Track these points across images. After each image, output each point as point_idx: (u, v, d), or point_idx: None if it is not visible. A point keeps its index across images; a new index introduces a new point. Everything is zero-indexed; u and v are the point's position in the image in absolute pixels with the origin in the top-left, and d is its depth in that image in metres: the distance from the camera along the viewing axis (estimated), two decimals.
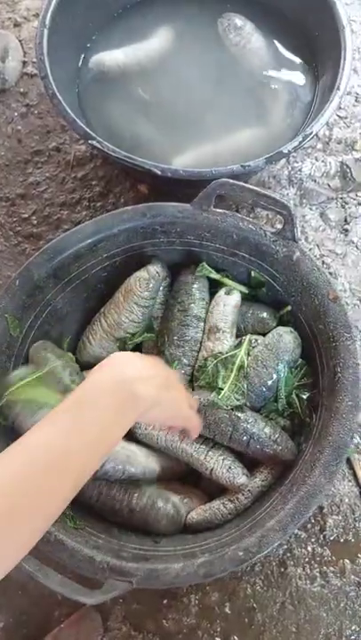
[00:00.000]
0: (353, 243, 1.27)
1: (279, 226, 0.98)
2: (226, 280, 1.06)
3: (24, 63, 1.47)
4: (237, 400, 0.95)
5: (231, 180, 0.95)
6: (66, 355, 1.02)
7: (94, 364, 1.02)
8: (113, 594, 0.79)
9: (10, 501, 0.55)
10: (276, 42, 1.32)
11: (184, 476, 1.02)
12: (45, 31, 1.16)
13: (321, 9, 1.20)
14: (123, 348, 1.04)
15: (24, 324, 0.97)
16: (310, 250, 1.26)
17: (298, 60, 1.31)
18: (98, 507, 0.94)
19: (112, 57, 1.30)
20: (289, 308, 1.03)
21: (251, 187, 0.95)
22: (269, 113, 1.26)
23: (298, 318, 1.01)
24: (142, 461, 0.95)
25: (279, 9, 1.33)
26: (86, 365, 1.03)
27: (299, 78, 1.29)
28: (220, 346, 1.00)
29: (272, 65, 1.30)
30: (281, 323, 1.05)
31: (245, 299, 1.07)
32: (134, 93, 1.29)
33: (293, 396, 0.99)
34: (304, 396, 0.98)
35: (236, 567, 0.80)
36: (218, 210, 0.99)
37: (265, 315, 1.03)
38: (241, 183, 0.95)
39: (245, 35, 1.29)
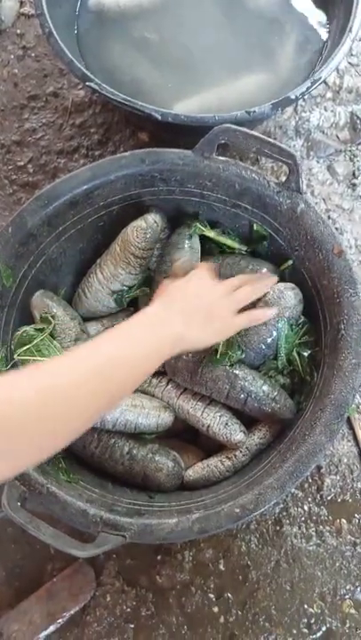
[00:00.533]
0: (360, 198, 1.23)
1: (284, 178, 0.93)
2: (221, 238, 1.02)
3: (21, 3, 1.40)
4: (234, 357, 0.92)
5: (234, 126, 0.90)
6: (68, 305, 0.99)
7: (90, 317, 1.01)
8: (105, 548, 0.77)
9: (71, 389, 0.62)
10: None
11: (181, 433, 1.00)
12: None
13: None
14: (119, 301, 1.01)
15: (17, 274, 0.94)
16: (316, 204, 1.22)
17: (308, 1, 1.24)
18: (97, 455, 0.92)
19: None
20: (290, 262, 0.99)
21: (255, 133, 0.90)
22: (277, 56, 1.20)
23: (301, 273, 0.98)
24: (154, 414, 0.93)
25: None
26: (82, 318, 1.00)
27: (309, 20, 1.22)
28: None
29: (281, 6, 1.23)
30: (282, 278, 1.01)
31: (245, 253, 1.03)
32: (135, 36, 1.23)
33: (294, 353, 0.96)
34: (305, 354, 0.95)
35: (232, 524, 0.78)
36: (220, 157, 0.95)
37: (265, 270, 0.99)
38: (245, 129, 0.90)
39: None
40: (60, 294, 1.02)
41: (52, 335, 0.94)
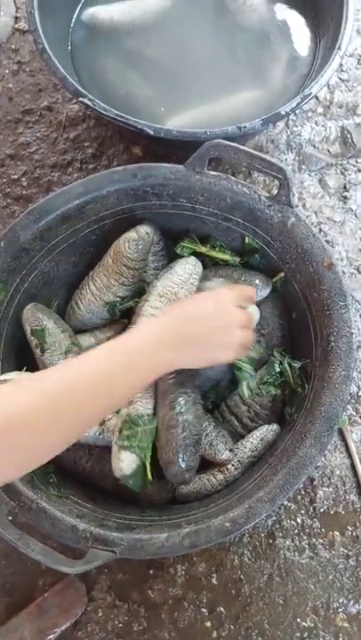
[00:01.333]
0: (352, 210, 1.24)
1: (276, 191, 0.94)
2: (213, 253, 1.03)
3: (16, 19, 1.42)
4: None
5: (225, 142, 0.91)
6: (59, 318, 1.00)
7: (83, 329, 1.02)
8: (95, 564, 0.77)
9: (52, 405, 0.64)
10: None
11: None
12: None
13: None
14: (112, 312, 1.01)
15: (9, 288, 0.94)
16: (308, 217, 1.22)
17: (299, 19, 1.25)
18: (87, 469, 0.92)
19: (107, 11, 1.25)
20: (282, 274, 0.99)
21: (245, 148, 0.91)
22: (268, 73, 1.21)
23: (292, 286, 0.98)
24: None
25: None
26: (75, 330, 1.01)
27: (299, 37, 1.24)
28: None
29: (272, 23, 1.25)
30: (274, 290, 1.01)
31: (238, 265, 1.04)
32: (129, 51, 1.24)
33: (286, 364, 0.96)
34: (296, 366, 0.96)
35: (222, 538, 0.78)
36: (212, 172, 0.95)
37: (257, 282, 1.00)
38: (235, 144, 0.91)
39: None
40: (53, 307, 1.03)
41: (42, 348, 0.94)
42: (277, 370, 0.97)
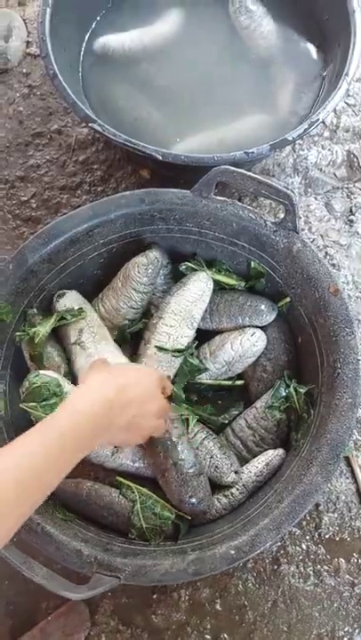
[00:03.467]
0: (358, 234, 1.24)
1: (282, 215, 0.95)
2: (219, 277, 1.03)
3: (27, 43, 1.44)
4: None
5: (232, 167, 0.92)
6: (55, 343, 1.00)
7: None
8: (100, 590, 0.77)
9: None
10: (285, 26, 1.28)
11: None
12: (48, 10, 1.13)
13: None
14: (122, 335, 1.02)
15: (17, 310, 0.95)
16: (314, 240, 1.23)
17: (307, 46, 1.27)
18: (84, 497, 0.92)
19: (118, 40, 1.27)
20: (288, 299, 1.00)
21: (252, 174, 0.92)
22: (276, 99, 1.22)
23: (298, 311, 0.99)
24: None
25: None
26: None
27: (307, 63, 1.25)
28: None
29: (281, 50, 1.27)
30: (280, 314, 1.02)
31: (244, 290, 1.04)
32: (139, 76, 1.26)
33: (291, 389, 0.96)
34: (302, 391, 0.96)
35: (226, 566, 0.78)
36: (218, 197, 0.96)
37: (263, 307, 1.00)
38: (242, 171, 0.92)
39: (256, 18, 1.25)
40: None
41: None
42: (283, 394, 0.97)
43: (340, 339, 0.89)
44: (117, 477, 0.92)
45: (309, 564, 1.01)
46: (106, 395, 0.73)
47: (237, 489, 0.93)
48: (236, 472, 0.93)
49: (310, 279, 0.93)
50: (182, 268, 1.02)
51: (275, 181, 1.16)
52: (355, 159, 1.30)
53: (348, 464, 1.07)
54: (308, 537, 1.03)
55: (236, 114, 1.21)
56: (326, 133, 1.32)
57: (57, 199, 1.28)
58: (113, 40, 1.27)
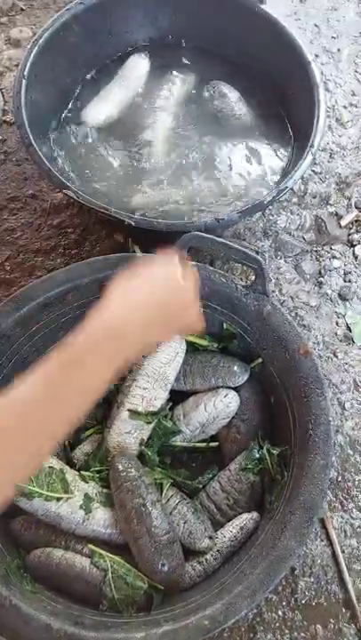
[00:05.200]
0: (327, 295, 1.27)
1: (253, 277, 0.97)
2: (192, 338, 1.04)
3: (4, 111, 1.48)
4: None
5: (201, 234, 0.95)
6: None
7: None
8: None
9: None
10: (255, 101, 1.35)
11: None
12: (24, 81, 1.17)
13: (296, 68, 1.24)
14: None
15: None
16: (284, 302, 1.26)
17: (276, 122, 1.33)
18: (54, 568, 0.89)
19: (97, 115, 1.32)
20: (260, 360, 1.01)
21: (221, 240, 0.95)
22: (244, 166, 1.27)
23: (269, 371, 1.00)
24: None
25: (258, 67, 1.36)
26: None
27: (276, 137, 1.31)
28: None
29: (252, 126, 1.33)
30: (252, 375, 1.03)
31: (216, 351, 1.06)
32: (113, 143, 1.30)
33: (265, 451, 0.97)
34: (275, 452, 0.96)
35: (201, 637, 0.76)
36: (190, 262, 0.98)
37: (236, 368, 1.01)
38: (211, 237, 0.95)
39: (229, 102, 1.31)
40: None
41: None
42: (256, 456, 0.97)
43: (311, 400, 0.90)
44: (89, 545, 0.90)
45: (286, 631, 0.99)
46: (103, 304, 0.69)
47: (212, 555, 0.91)
48: (210, 537, 0.92)
49: (281, 340, 0.95)
50: None
51: (245, 246, 1.19)
52: (322, 223, 1.34)
53: (323, 526, 1.06)
54: (284, 603, 1.01)
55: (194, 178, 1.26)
56: (295, 199, 1.37)
57: (31, 262, 1.29)
58: (92, 116, 1.32)
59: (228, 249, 0.95)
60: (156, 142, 1.28)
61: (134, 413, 0.96)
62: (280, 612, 1.00)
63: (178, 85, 1.36)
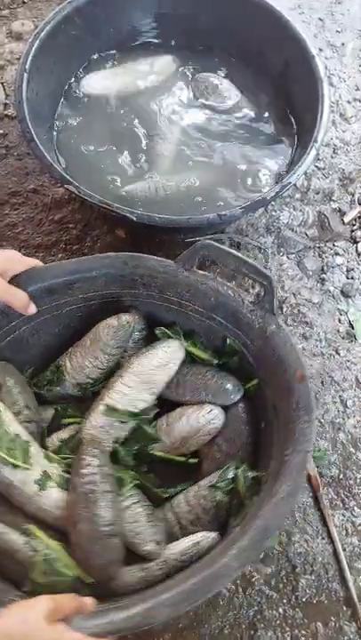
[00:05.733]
0: (329, 292, 1.27)
1: (257, 290, 0.94)
2: (193, 349, 1.03)
3: (5, 105, 1.47)
4: None
5: (215, 243, 0.93)
6: (25, 381, 1.00)
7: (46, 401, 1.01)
8: None
9: None
10: (259, 94, 1.34)
11: None
12: (25, 75, 1.16)
13: (300, 62, 1.23)
14: (84, 393, 1.01)
15: None
16: (286, 298, 1.25)
17: (279, 113, 1.32)
18: None
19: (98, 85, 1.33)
20: (256, 381, 0.99)
21: (234, 252, 0.93)
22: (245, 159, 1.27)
23: (264, 393, 0.97)
24: None
25: (260, 61, 1.35)
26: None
27: (280, 130, 1.31)
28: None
29: (254, 118, 1.32)
30: (245, 395, 1.00)
31: (213, 365, 1.03)
32: (114, 125, 1.30)
33: (240, 472, 0.93)
34: (250, 475, 0.92)
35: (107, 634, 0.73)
36: (200, 271, 0.96)
37: (229, 386, 0.98)
38: (226, 248, 0.93)
39: (223, 92, 1.31)
40: (26, 372, 1.03)
41: None
42: (229, 476, 0.92)
43: (296, 426, 0.85)
44: (29, 525, 0.87)
45: (287, 629, 0.99)
46: None
47: (157, 564, 0.87)
48: (157, 542, 0.88)
49: (280, 362, 0.91)
50: (158, 332, 1.02)
51: (247, 242, 1.18)
52: (325, 220, 1.34)
53: (325, 524, 1.06)
54: (285, 600, 1.01)
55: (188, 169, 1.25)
56: (298, 195, 1.36)
57: (32, 257, 1.28)
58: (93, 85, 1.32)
59: (238, 261, 0.93)
60: (166, 153, 1.27)
61: (110, 409, 0.94)
62: (281, 610, 1.00)
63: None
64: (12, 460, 0.87)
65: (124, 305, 1.02)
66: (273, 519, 0.78)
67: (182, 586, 0.75)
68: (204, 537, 0.88)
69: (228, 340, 1.01)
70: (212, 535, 0.88)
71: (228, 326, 0.99)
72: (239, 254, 0.93)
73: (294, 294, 1.26)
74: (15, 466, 0.88)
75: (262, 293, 0.93)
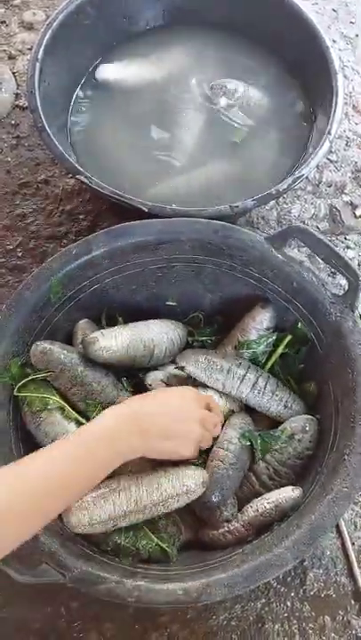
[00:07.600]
0: (340, 286, 1.26)
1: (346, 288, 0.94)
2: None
3: (17, 95, 1.47)
4: None
5: (310, 229, 0.93)
6: (74, 350, 0.97)
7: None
8: (43, 580, 0.76)
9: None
10: (275, 86, 1.33)
11: None
12: (37, 65, 1.15)
13: (315, 54, 1.21)
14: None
15: (66, 293, 0.97)
16: None
17: (293, 103, 1.31)
18: None
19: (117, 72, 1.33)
20: (313, 384, 1.02)
21: (326, 242, 0.92)
22: (258, 153, 1.26)
23: (327, 388, 0.97)
24: None
25: (279, 52, 1.34)
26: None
27: (293, 121, 1.29)
28: None
29: (268, 110, 1.31)
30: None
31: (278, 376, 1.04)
32: (124, 119, 1.29)
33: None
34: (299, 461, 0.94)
35: (169, 605, 0.78)
36: (289, 253, 0.97)
37: (295, 405, 1.00)
38: (319, 235, 0.93)
39: (240, 96, 1.29)
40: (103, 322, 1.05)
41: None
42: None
43: (357, 426, 0.86)
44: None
45: (295, 621, 0.99)
46: (121, 409, 0.80)
47: (243, 525, 0.90)
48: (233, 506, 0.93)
49: (350, 360, 0.91)
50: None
51: (258, 233, 1.17)
52: (337, 213, 1.33)
53: None
54: (292, 593, 1.01)
55: (205, 162, 1.24)
56: (309, 188, 1.35)
57: (43, 248, 1.29)
58: (111, 72, 1.32)
59: (329, 251, 0.92)
60: (182, 146, 1.26)
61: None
62: (288, 603, 1.00)
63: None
64: None
65: (204, 271, 1.03)
66: (327, 517, 0.80)
67: (239, 568, 0.78)
68: (284, 497, 0.89)
69: (299, 325, 1.00)
70: (294, 494, 0.89)
71: (303, 312, 0.99)
72: (331, 244, 0.92)
73: None
74: None
75: (346, 289, 0.93)
